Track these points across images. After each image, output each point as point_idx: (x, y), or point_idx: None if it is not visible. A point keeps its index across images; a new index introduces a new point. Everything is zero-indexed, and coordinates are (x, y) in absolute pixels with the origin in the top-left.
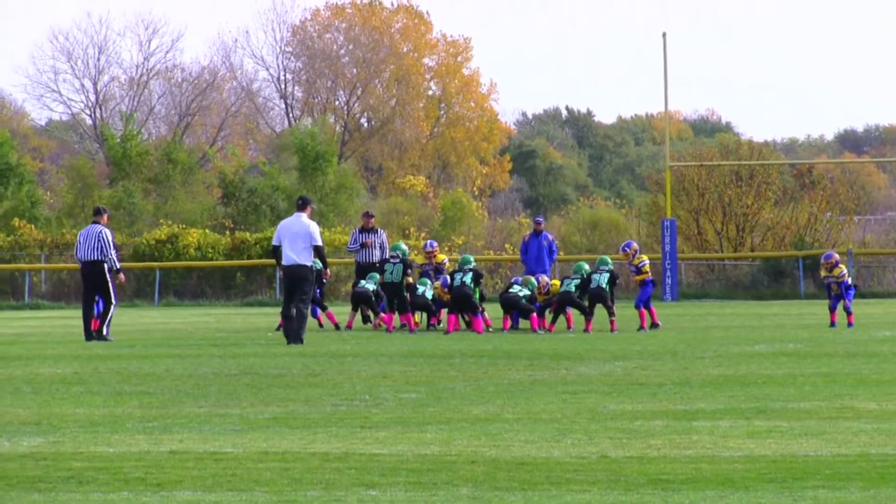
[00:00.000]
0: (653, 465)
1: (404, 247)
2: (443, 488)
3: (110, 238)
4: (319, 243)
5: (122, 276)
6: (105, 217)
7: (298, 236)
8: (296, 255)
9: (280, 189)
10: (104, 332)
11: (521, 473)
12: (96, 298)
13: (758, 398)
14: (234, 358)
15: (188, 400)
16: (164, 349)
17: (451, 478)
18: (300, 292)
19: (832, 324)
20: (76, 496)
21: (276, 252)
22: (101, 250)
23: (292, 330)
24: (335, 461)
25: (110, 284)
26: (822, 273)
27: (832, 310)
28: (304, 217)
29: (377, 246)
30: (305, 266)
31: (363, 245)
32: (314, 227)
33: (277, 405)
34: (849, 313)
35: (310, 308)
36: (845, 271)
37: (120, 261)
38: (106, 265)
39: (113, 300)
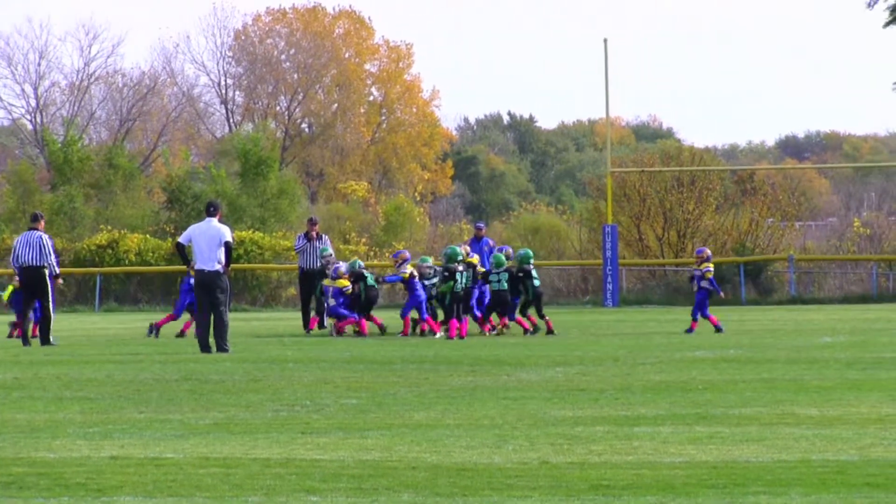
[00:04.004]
0: (594, 471)
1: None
2: (384, 494)
3: (50, 244)
4: (229, 239)
5: (60, 280)
6: (42, 223)
7: (212, 242)
8: (207, 262)
9: (223, 194)
10: (50, 339)
11: (462, 479)
12: (34, 305)
13: (699, 404)
14: (174, 363)
15: (129, 405)
16: (105, 355)
17: (392, 484)
18: (215, 300)
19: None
20: (17, 502)
21: (179, 248)
22: (42, 256)
23: (216, 339)
24: (276, 467)
25: (50, 291)
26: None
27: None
28: (214, 221)
29: (319, 252)
30: (217, 273)
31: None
32: (225, 229)
33: (218, 411)
34: (694, 319)
35: (227, 314)
36: (711, 268)
37: (59, 266)
38: (47, 271)
39: (52, 306)
